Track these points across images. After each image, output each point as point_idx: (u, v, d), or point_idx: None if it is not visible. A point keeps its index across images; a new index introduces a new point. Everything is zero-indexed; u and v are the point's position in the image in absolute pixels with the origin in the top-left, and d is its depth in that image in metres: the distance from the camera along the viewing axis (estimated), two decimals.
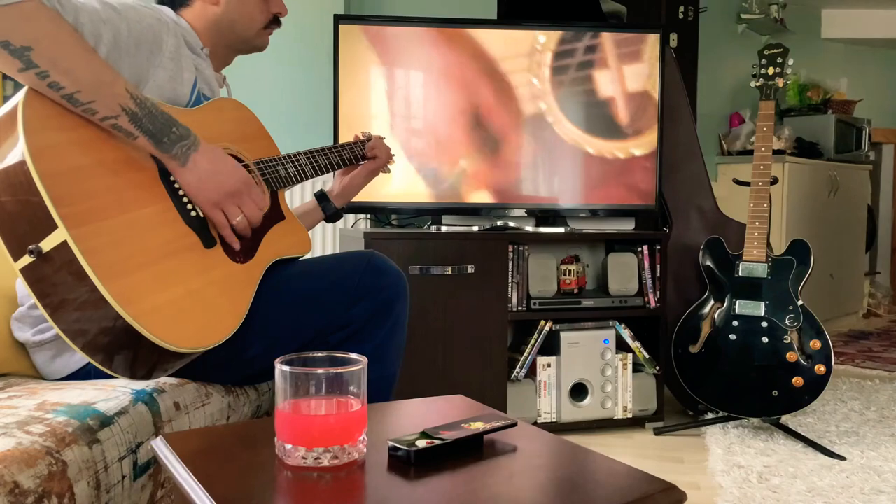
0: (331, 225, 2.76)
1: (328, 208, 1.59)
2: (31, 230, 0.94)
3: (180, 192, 1.12)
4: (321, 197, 1.59)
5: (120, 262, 0.97)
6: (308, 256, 1.38)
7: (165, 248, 1.06)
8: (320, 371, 0.78)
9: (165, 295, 1.02)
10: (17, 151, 0.94)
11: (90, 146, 1.03)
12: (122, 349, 0.97)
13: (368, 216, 2.72)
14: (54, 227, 0.93)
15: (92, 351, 0.97)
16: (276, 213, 1.32)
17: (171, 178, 1.12)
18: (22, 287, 1.24)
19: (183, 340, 1.00)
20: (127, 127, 1.04)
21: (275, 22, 1.43)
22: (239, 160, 1.27)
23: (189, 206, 1.13)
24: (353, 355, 0.82)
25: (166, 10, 1.31)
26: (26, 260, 0.94)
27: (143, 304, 0.97)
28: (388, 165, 1.65)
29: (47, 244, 0.93)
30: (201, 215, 1.14)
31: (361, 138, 1.60)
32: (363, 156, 1.58)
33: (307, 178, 1.40)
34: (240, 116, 1.35)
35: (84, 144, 1.02)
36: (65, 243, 0.92)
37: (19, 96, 0.99)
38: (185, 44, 1.28)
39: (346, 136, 2.44)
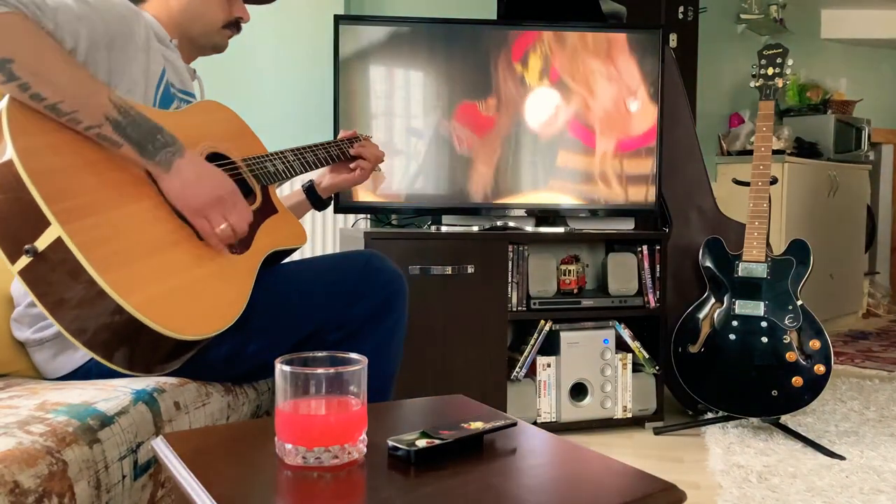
0: (331, 224, 2.76)
1: (316, 198, 1.58)
2: (25, 230, 0.94)
3: (158, 185, 1.11)
4: (309, 190, 1.58)
5: (116, 254, 0.98)
6: (308, 255, 1.38)
7: (161, 241, 1.06)
8: (320, 371, 0.78)
9: (164, 285, 1.02)
10: (5, 156, 0.95)
11: (78, 146, 1.03)
12: (123, 342, 0.97)
13: (368, 216, 2.72)
14: (47, 224, 0.93)
15: (94, 346, 0.97)
16: (268, 207, 1.32)
17: None
18: (18, 287, 1.24)
19: (184, 328, 1.00)
20: (111, 136, 1.04)
21: (235, 25, 1.42)
22: (225, 158, 1.27)
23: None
24: (353, 355, 0.82)
25: (129, 3, 1.31)
26: (24, 261, 0.94)
27: (142, 293, 0.97)
28: (380, 166, 1.63)
29: (42, 242, 0.93)
30: None
31: (351, 134, 1.58)
32: (348, 154, 1.54)
33: (296, 174, 1.40)
34: (223, 117, 1.36)
35: (72, 145, 1.02)
36: (59, 239, 0.93)
37: (3, 101, 0.99)
38: (153, 35, 1.28)
39: None
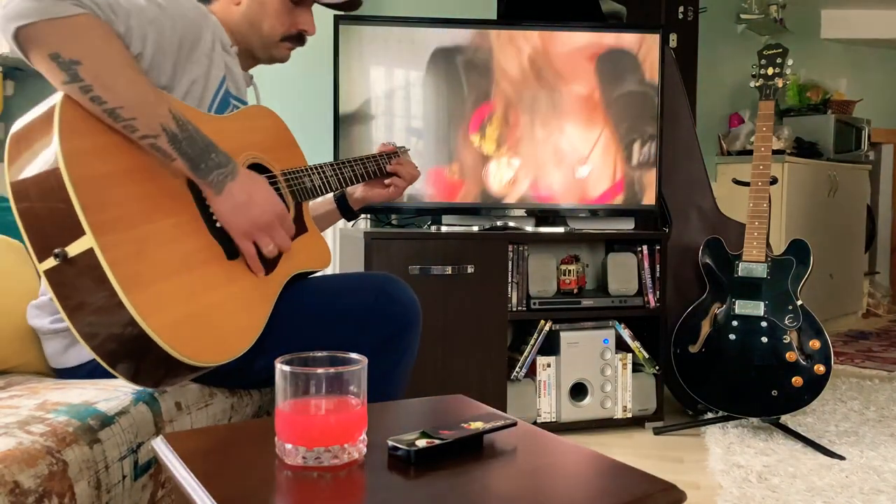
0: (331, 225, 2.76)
1: (347, 209, 1.61)
2: (58, 233, 0.94)
3: (207, 202, 1.12)
4: (340, 200, 1.59)
5: (143, 273, 0.98)
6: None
7: (189, 260, 1.06)
8: (320, 371, 0.78)
9: (185, 308, 1.02)
10: (51, 154, 0.95)
11: (122, 151, 1.03)
12: (136, 357, 0.98)
13: (368, 216, 2.72)
14: (82, 233, 0.93)
15: (107, 357, 0.98)
16: (299, 226, 1.31)
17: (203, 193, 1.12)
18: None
19: (199, 355, 1.01)
20: (165, 148, 1.04)
21: (297, 38, 1.40)
22: (266, 170, 1.27)
23: (215, 217, 1.13)
24: (353, 355, 0.82)
25: (200, 5, 1.30)
26: (51, 262, 0.95)
27: (163, 316, 0.97)
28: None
29: (74, 249, 0.94)
30: None
31: (390, 149, 1.57)
32: (385, 170, 1.54)
33: (332, 191, 1.41)
34: (269, 125, 1.35)
35: (116, 149, 1.03)
36: (91, 250, 0.93)
37: (57, 97, 0.99)
38: (219, 40, 1.28)
39: (345, 137, 2.44)
